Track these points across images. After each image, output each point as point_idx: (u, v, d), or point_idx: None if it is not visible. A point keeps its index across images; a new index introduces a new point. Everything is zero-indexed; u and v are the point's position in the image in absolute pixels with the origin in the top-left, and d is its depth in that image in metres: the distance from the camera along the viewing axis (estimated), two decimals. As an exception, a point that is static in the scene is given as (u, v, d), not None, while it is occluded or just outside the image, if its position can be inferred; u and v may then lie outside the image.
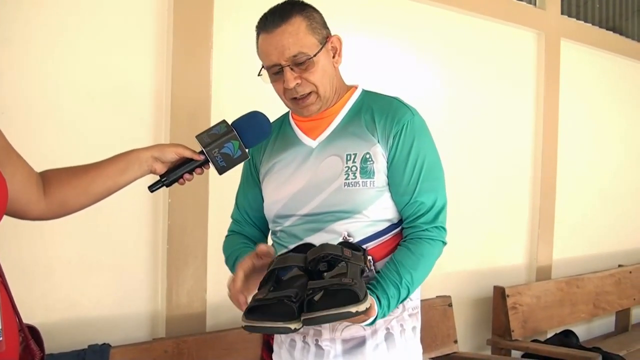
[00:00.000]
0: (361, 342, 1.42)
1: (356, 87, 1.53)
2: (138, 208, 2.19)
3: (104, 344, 1.99)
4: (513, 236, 3.66)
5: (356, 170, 1.39)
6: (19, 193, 1.18)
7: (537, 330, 3.40)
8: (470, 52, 3.36)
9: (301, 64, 1.38)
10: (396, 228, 1.44)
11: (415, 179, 1.40)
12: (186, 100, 2.25)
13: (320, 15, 1.46)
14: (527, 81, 3.70)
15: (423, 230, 1.41)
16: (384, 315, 1.33)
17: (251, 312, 1.18)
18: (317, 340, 1.44)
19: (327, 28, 1.46)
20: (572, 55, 3.91)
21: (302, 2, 1.44)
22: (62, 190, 1.26)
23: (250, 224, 1.60)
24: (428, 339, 2.78)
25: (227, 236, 1.63)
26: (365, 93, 1.52)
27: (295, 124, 1.52)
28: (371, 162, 1.40)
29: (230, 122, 1.37)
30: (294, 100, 1.43)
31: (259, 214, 1.58)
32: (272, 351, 2.28)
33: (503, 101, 3.55)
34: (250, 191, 1.58)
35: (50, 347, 1.91)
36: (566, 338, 3.43)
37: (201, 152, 1.34)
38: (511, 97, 3.60)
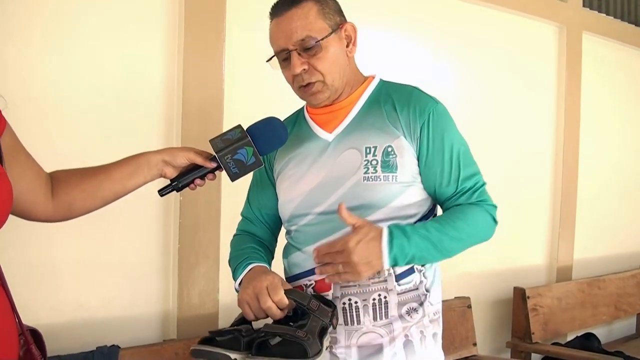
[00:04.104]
0: (378, 350, 1.35)
1: (373, 77, 1.47)
2: (148, 206, 2.12)
3: (113, 345, 1.94)
4: (533, 236, 3.57)
5: (377, 164, 1.33)
6: (26, 194, 1.16)
7: (557, 332, 3.32)
8: (489, 45, 3.27)
9: (309, 49, 1.33)
10: None
11: (456, 168, 1.36)
12: (198, 95, 2.18)
13: (336, 2, 1.41)
14: (547, 76, 3.60)
15: (469, 202, 1.37)
16: (400, 257, 1.26)
17: (203, 341, 1.22)
18: (331, 348, 1.38)
19: (342, 16, 1.40)
20: (594, 49, 3.81)
21: None
22: (70, 193, 1.23)
23: (262, 222, 1.54)
24: (446, 341, 2.68)
25: (235, 235, 1.57)
26: (383, 83, 1.46)
27: (310, 117, 1.46)
28: (394, 155, 1.33)
29: (245, 127, 1.33)
30: (301, 88, 1.38)
31: (272, 212, 1.52)
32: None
33: (523, 96, 3.46)
34: (264, 189, 1.52)
35: (57, 349, 1.88)
36: (587, 341, 3.33)
37: (213, 158, 1.30)
38: (531, 92, 3.51)
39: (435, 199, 1.41)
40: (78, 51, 1.98)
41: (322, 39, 1.33)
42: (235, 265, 1.43)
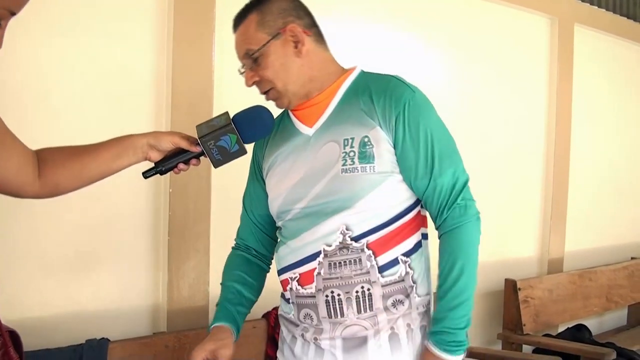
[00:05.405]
0: (363, 342, 1.35)
1: (354, 69, 1.45)
2: (138, 198, 2.12)
3: (102, 338, 1.93)
4: (524, 228, 3.58)
5: (354, 155, 1.32)
6: (14, 176, 1.19)
7: (549, 324, 3.33)
8: (480, 37, 3.27)
9: (254, 60, 1.36)
10: (401, 218, 1.36)
11: (430, 160, 1.33)
12: (187, 87, 2.16)
13: (281, 4, 1.38)
14: (539, 68, 3.61)
15: (453, 220, 1.35)
16: (463, 346, 1.34)
17: None
18: (315, 339, 1.39)
19: (291, 16, 1.38)
20: (586, 42, 3.81)
21: None
22: (56, 173, 1.25)
23: (254, 224, 1.55)
24: (437, 333, 2.70)
25: (232, 249, 1.61)
26: (363, 74, 1.45)
27: (292, 113, 1.46)
28: (370, 146, 1.32)
29: (233, 115, 1.33)
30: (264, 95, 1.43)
31: (263, 212, 1.53)
32: (277, 347, 2.22)
33: (514, 89, 3.46)
34: (254, 188, 1.54)
35: (46, 342, 1.87)
36: (579, 332, 3.35)
37: (198, 143, 1.30)
38: (523, 84, 3.51)
39: (416, 193, 1.38)
40: (67, 42, 1.95)
41: (259, 50, 1.35)
42: (216, 305, 1.52)
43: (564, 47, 3.64)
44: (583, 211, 3.86)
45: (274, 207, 1.45)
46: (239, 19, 1.40)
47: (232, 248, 1.61)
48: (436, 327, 1.35)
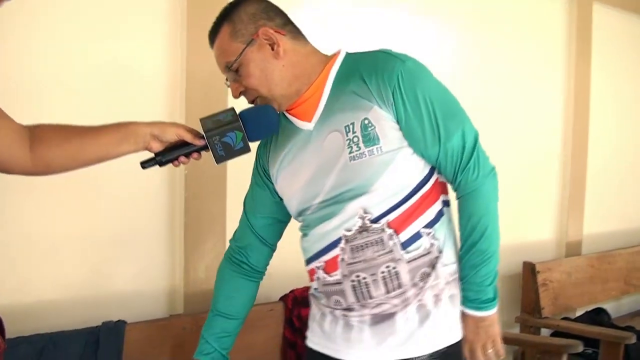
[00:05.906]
0: (391, 316, 1.34)
1: (338, 54, 1.42)
2: (153, 180, 2.09)
3: (119, 320, 1.92)
4: (542, 211, 3.54)
5: (358, 140, 1.29)
6: (3, 154, 1.17)
7: (567, 307, 3.30)
8: (496, 17, 3.20)
9: (236, 72, 1.35)
10: (418, 191, 1.33)
11: (436, 126, 1.30)
12: (202, 77, 2.11)
13: (249, 9, 1.36)
14: (557, 48, 3.54)
15: (468, 183, 1.35)
16: (494, 298, 1.38)
17: None
18: (345, 315, 1.38)
19: (261, 19, 1.35)
20: (604, 21, 3.74)
21: (233, 3, 1.37)
22: (51, 152, 1.22)
23: (251, 231, 1.54)
24: (455, 316, 2.68)
25: (224, 257, 1.60)
26: (349, 56, 1.41)
27: (288, 113, 1.43)
28: (372, 127, 1.29)
29: (239, 111, 1.32)
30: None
31: (263, 215, 1.53)
32: (295, 330, 2.22)
33: (531, 70, 3.39)
34: (257, 193, 1.53)
35: (62, 324, 1.87)
36: (597, 316, 3.32)
37: (202, 137, 1.29)
38: (540, 65, 3.45)
39: (429, 162, 1.36)
40: (80, 32, 1.91)
41: (237, 60, 1.33)
42: (201, 333, 1.55)
43: (583, 26, 3.57)
44: (601, 194, 3.81)
45: (292, 207, 1.45)
46: (213, 33, 1.38)
47: (225, 255, 1.60)
48: (462, 286, 1.38)
